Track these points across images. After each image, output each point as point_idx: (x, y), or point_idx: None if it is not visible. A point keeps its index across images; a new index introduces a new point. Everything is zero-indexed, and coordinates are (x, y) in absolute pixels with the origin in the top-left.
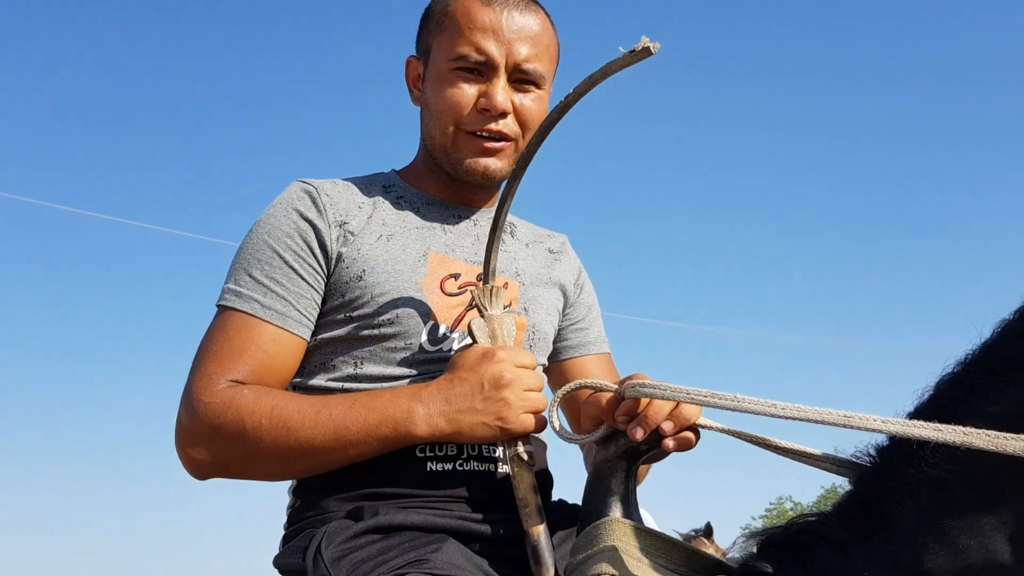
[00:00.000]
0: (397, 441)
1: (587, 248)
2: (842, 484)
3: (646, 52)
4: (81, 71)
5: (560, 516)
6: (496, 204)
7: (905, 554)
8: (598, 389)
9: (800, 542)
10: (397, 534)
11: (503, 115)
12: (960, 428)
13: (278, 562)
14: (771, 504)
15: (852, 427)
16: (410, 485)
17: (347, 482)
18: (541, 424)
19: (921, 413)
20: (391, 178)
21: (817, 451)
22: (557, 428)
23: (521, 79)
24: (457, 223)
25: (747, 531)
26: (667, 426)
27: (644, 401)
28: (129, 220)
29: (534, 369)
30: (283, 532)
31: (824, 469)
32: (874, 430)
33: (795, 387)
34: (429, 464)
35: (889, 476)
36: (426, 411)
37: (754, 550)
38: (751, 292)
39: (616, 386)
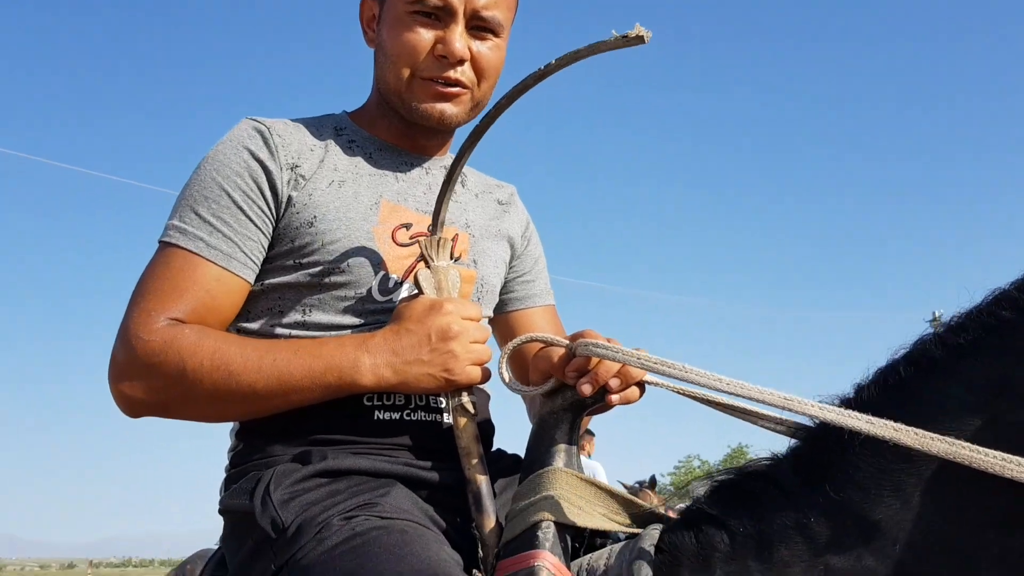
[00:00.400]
0: (341, 389)
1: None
2: (748, 444)
3: (638, 40)
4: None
5: (501, 465)
6: (447, 152)
7: (857, 504)
8: (549, 343)
9: (748, 487)
10: (345, 478)
11: (460, 62)
12: (891, 424)
13: (224, 504)
14: (680, 462)
15: (791, 410)
16: (357, 432)
17: (293, 427)
18: (486, 375)
19: (869, 392)
20: (343, 120)
21: (765, 411)
22: (507, 379)
23: (479, 26)
24: (409, 171)
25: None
26: (614, 383)
27: (594, 359)
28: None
29: (480, 321)
30: (225, 475)
31: (767, 428)
32: (811, 415)
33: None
34: (376, 413)
35: (848, 431)
36: (372, 361)
37: (702, 493)
38: (678, 256)
39: (567, 342)
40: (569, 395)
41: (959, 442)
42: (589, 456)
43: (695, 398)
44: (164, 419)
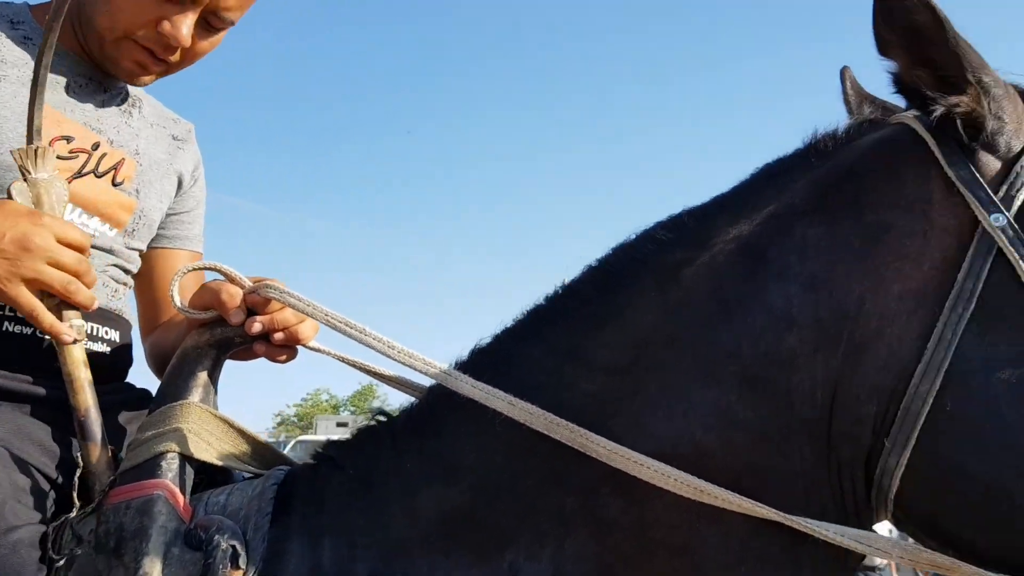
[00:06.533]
0: None
1: None
2: (379, 384)
3: None
4: None
5: (129, 397)
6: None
7: (445, 450)
8: (231, 278)
9: (370, 434)
10: None
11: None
12: (508, 397)
13: None
14: (308, 394)
15: (448, 385)
16: None
17: None
18: (31, 309)
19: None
20: (21, 13)
21: (416, 383)
22: (178, 302)
23: (213, 23)
24: (85, 82)
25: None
26: (278, 336)
27: (274, 305)
28: None
29: (84, 252)
30: None
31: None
32: (464, 392)
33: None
34: None
35: (447, 391)
36: None
37: (334, 438)
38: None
39: (248, 280)
40: (219, 332)
41: (518, 401)
42: None
43: (356, 366)
44: None
